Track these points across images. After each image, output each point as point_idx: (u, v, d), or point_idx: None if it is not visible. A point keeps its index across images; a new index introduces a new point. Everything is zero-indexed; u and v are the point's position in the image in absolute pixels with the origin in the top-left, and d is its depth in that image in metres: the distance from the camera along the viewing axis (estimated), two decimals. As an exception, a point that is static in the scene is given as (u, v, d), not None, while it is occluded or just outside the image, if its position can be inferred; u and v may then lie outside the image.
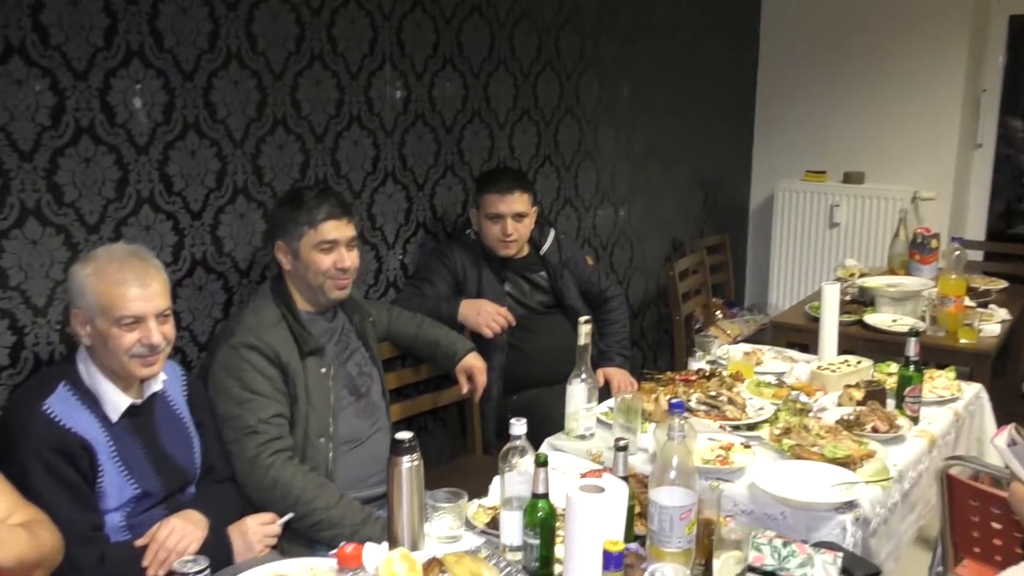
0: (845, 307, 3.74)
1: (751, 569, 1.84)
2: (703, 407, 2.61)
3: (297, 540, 2.34)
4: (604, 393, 3.04)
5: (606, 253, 4.48)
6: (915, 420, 2.61)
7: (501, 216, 3.20)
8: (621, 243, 4.58)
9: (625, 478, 1.89)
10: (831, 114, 5.33)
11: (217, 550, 2.07)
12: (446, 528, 2.00)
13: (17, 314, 2.28)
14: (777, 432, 2.45)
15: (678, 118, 4.85)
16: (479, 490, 2.20)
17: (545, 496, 1.82)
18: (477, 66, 3.55)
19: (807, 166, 5.39)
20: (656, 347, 4.99)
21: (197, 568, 1.57)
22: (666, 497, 1.77)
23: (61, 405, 1.98)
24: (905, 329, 2.69)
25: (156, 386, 2.14)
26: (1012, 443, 1.83)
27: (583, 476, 1.88)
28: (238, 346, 2.40)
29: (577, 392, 2.51)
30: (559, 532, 1.85)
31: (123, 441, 2.05)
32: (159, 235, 2.57)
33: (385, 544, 1.88)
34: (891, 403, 2.67)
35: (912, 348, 2.62)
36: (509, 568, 1.81)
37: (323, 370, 2.52)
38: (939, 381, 2.87)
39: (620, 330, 3.53)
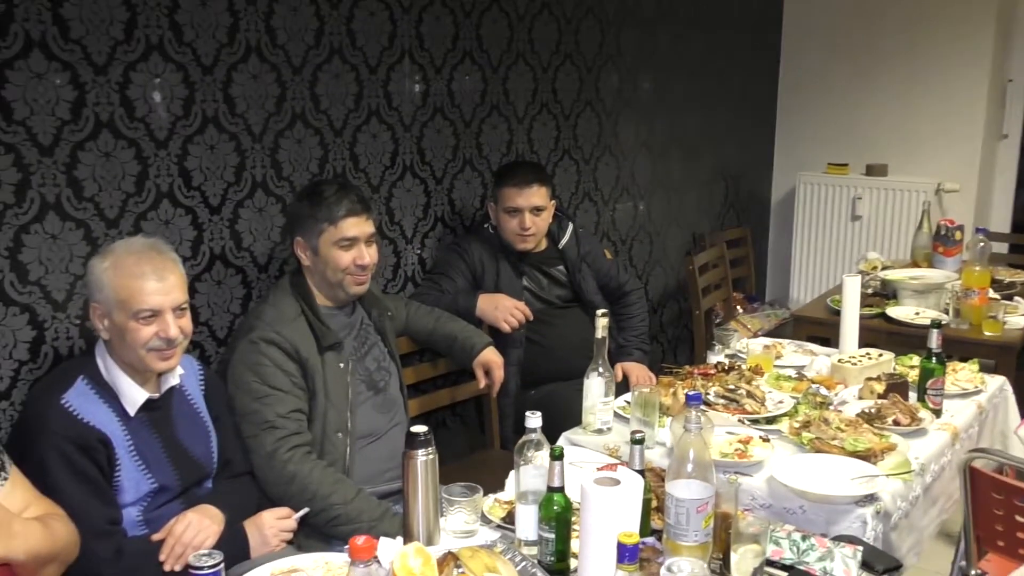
0: (867, 300, 3.71)
1: (769, 563, 1.82)
2: (721, 400, 2.59)
3: (314, 535, 2.34)
4: (623, 388, 3.04)
5: (625, 247, 4.47)
6: (937, 413, 2.58)
7: (519, 210, 3.19)
8: (640, 237, 4.56)
9: (641, 471, 1.87)
10: (854, 105, 5.28)
11: (233, 544, 2.08)
12: (461, 522, 1.99)
13: (37, 309, 2.30)
14: (796, 425, 2.43)
15: (699, 111, 4.82)
16: (496, 485, 2.20)
17: (561, 490, 1.82)
18: (496, 59, 3.54)
19: (829, 158, 5.35)
20: (676, 342, 4.97)
21: (211, 562, 1.58)
22: (683, 490, 1.76)
23: (80, 399, 1.99)
24: (927, 322, 2.66)
25: (173, 380, 2.15)
26: (1035, 435, 1.80)
27: (599, 470, 1.87)
28: (257, 341, 2.41)
29: (594, 386, 2.50)
30: (575, 526, 1.84)
31: (140, 435, 2.06)
32: (178, 230, 2.58)
33: (400, 539, 1.88)
34: (913, 396, 2.64)
35: (934, 340, 2.59)
36: (524, 562, 1.80)
37: (341, 365, 2.52)
38: (962, 374, 2.84)
39: (639, 324, 3.51)
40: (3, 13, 2.15)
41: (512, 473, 2.10)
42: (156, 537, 2.03)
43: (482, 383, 2.93)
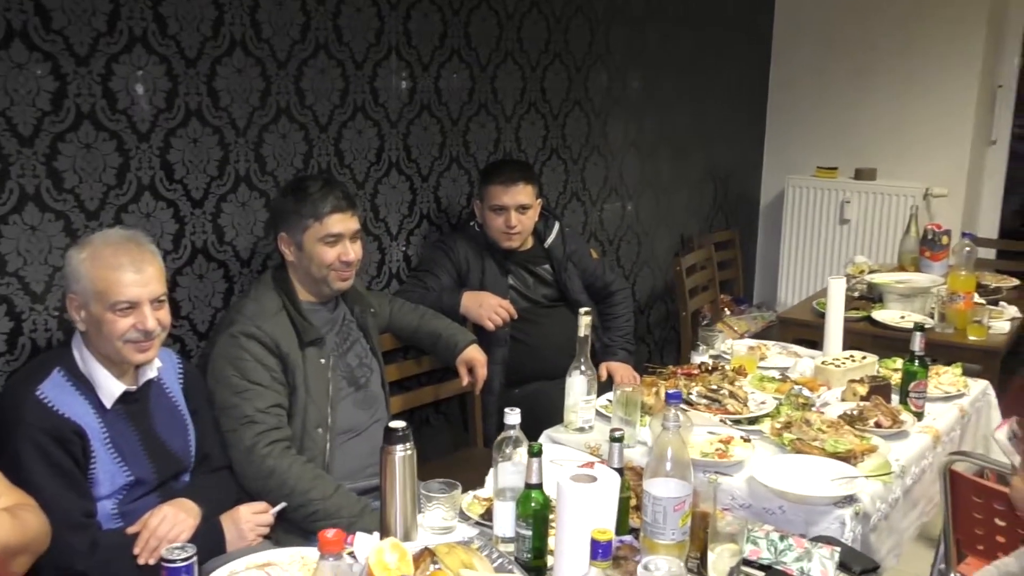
0: (853, 303, 3.71)
1: (747, 562, 1.82)
2: (704, 401, 2.58)
3: (293, 531, 2.32)
4: (608, 387, 3.03)
5: (613, 248, 4.46)
6: (919, 416, 2.58)
7: (504, 208, 3.18)
8: (628, 238, 4.55)
9: (620, 469, 1.87)
10: (844, 109, 5.29)
11: (209, 538, 2.06)
12: (440, 519, 1.99)
13: (15, 300, 2.28)
14: (778, 426, 2.43)
15: (688, 111, 4.82)
16: (478, 483, 2.19)
17: (539, 487, 1.81)
18: (485, 58, 3.53)
19: (818, 162, 5.35)
20: (663, 343, 4.96)
21: (184, 555, 1.56)
22: (660, 488, 1.75)
23: (55, 390, 1.98)
24: (912, 325, 2.66)
25: (151, 373, 2.13)
26: (1013, 437, 1.80)
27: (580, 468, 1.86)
28: (238, 335, 2.39)
29: (576, 384, 2.49)
30: (552, 524, 1.83)
31: (116, 428, 2.04)
32: (159, 223, 2.57)
33: (377, 534, 1.87)
34: (896, 399, 2.64)
35: (917, 343, 2.59)
36: (501, 559, 1.79)
37: (323, 360, 2.51)
38: (945, 377, 2.84)
39: (624, 324, 3.50)
40: (-16, 2, 2.14)
41: (492, 470, 2.09)
42: (131, 530, 2.01)
43: (465, 380, 2.92)
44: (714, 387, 2.62)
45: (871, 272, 4.12)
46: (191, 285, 2.68)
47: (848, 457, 2.24)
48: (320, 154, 2.97)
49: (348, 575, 1.33)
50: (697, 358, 2.94)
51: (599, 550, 1.39)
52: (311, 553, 1.85)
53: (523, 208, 3.20)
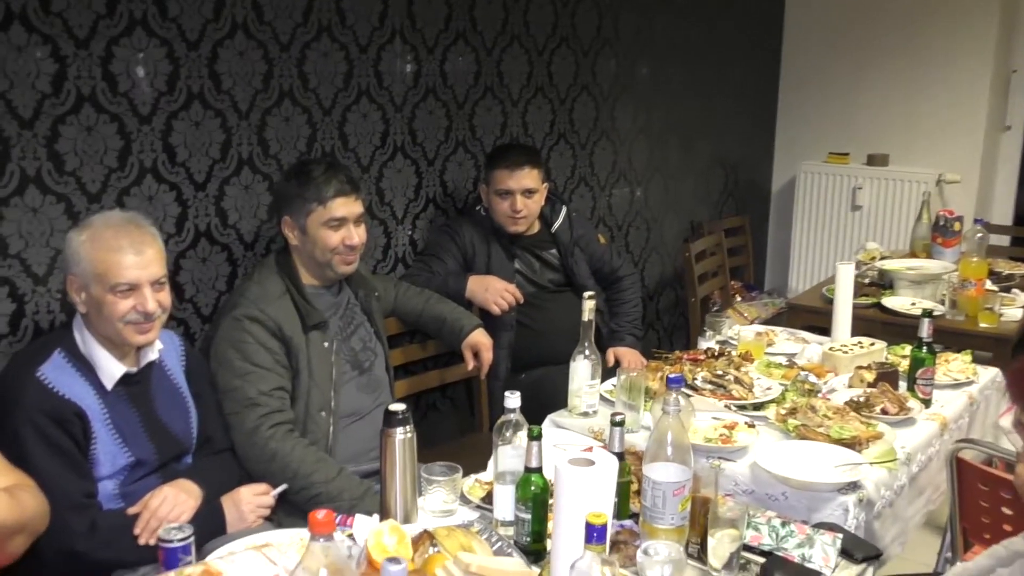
0: (864, 290, 3.68)
1: (748, 548, 1.80)
2: (709, 386, 2.56)
3: (295, 513, 2.32)
4: (614, 372, 3.01)
5: (622, 233, 4.43)
6: (927, 403, 2.55)
7: (510, 192, 3.16)
8: (637, 223, 4.52)
9: (620, 454, 1.85)
10: (856, 94, 5.23)
11: (210, 520, 2.07)
12: (440, 502, 1.98)
13: (17, 282, 2.28)
14: (783, 412, 2.40)
15: (698, 97, 4.78)
16: (483, 467, 2.17)
17: (538, 471, 1.80)
18: (491, 41, 3.50)
19: (830, 148, 5.30)
20: (672, 329, 4.94)
21: (180, 536, 1.56)
22: (659, 472, 1.74)
23: (55, 372, 1.98)
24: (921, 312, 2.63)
25: (152, 355, 2.13)
26: (1018, 423, 1.77)
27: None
28: (241, 318, 2.39)
29: (580, 369, 2.47)
30: (552, 507, 1.82)
31: (117, 409, 2.04)
32: (162, 205, 2.56)
33: (376, 516, 1.86)
34: (904, 385, 2.61)
35: (925, 329, 2.56)
36: (500, 542, 1.78)
37: (326, 344, 2.51)
38: (954, 364, 2.81)
39: (632, 310, 3.48)
40: (-17, -17, 2.13)
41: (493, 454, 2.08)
42: (132, 511, 2.01)
43: (470, 365, 2.91)
44: (719, 372, 2.60)
45: (883, 258, 4.08)
46: (194, 268, 2.67)
47: (853, 444, 2.22)
48: (324, 137, 2.96)
49: (340, 556, 1.32)
50: (703, 343, 2.92)
51: (594, 533, 1.38)
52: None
53: (529, 192, 3.18)
